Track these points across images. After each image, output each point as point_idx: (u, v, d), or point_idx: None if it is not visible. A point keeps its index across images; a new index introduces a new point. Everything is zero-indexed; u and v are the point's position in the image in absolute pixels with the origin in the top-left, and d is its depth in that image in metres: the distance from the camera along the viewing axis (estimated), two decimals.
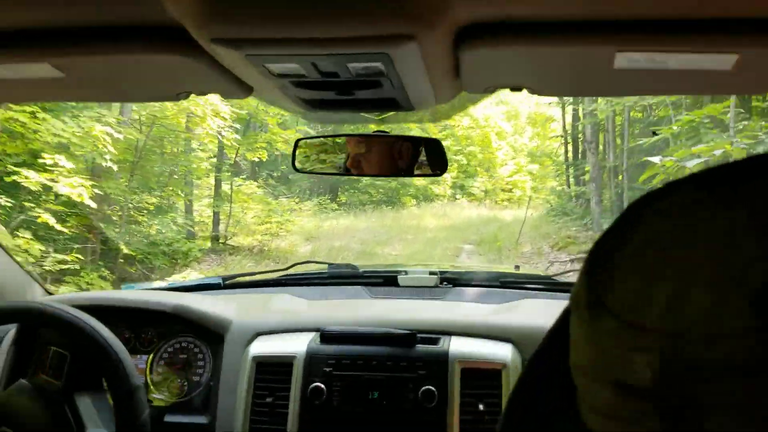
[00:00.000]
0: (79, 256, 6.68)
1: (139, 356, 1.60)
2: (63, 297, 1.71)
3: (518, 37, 0.78)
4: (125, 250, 7.74)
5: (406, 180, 16.46)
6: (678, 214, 0.32)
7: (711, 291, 0.28)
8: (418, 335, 1.49)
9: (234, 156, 10.91)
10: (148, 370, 1.59)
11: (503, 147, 19.53)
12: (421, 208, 16.31)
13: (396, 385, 1.43)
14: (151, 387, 1.57)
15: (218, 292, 1.94)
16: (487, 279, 1.98)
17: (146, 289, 1.93)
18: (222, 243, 10.58)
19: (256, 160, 11.28)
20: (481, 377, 1.42)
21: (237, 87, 0.97)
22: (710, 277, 0.29)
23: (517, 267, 2.19)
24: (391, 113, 1.26)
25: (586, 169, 13.24)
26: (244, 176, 12.75)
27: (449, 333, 1.52)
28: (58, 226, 6.42)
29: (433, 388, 1.40)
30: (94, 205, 6.67)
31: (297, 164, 1.48)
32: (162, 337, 1.62)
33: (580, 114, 13.94)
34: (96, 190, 6.85)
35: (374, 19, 0.69)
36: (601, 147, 13.11)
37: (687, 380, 0.29)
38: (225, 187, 11.13)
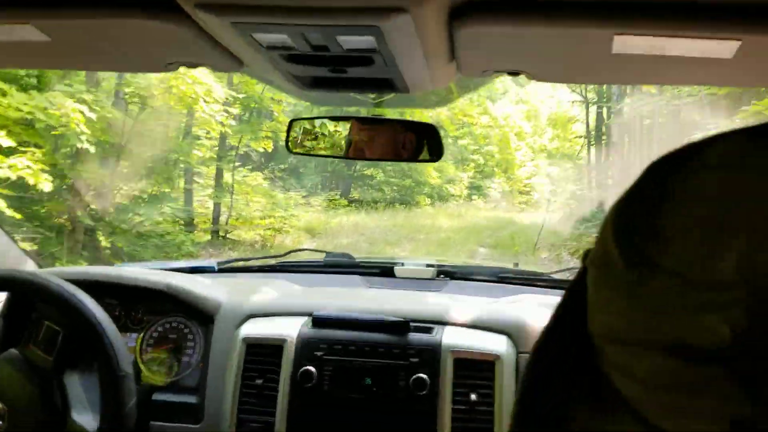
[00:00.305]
0: (29, 246, 6.35)
1: (129, 334, 1.66)
2: (55, 270, 1.76)
3: (514, 16, 0.79)
4: (104, 243, 7.50)
5: (421, 178, 16.46)
6: (728, 166, 0.32)
7: None
8: (412, 324, 1.54)
9: (237, 144, 10.86)
10: (138, 348, 1.65)
11: (522, 147, 19.46)
12: (435, 208, 16.28)
13: (387, 372, 1.48)
14: (141, 366, 1.63)
15: (212, 275, 2.01)
16: (484, 274, 2.03)
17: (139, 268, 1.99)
18: (221, 236, 10.60)
19: (261, 150, 11.26)
20: (474, 368, 1.48)
21: (226, 59, 0.99)
22: None
23: (516, 264, 2.25)
24: (388, 97, 1.31)
25: (609, 173, 13.16)
26: (250, 167, 12.78)
27: (443, 323, 1.57)
28: (10, 212, 6.01)
29: (425, 377, 1.46)
30: (47, 189, 6.22)
31: (290, 146, 1.53)
32: (153, 316, 1.68)
33: (605, 114, 13.87)
34: (45, 176, 6.29)
35: None
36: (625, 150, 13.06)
37: None
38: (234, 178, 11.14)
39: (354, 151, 1.47)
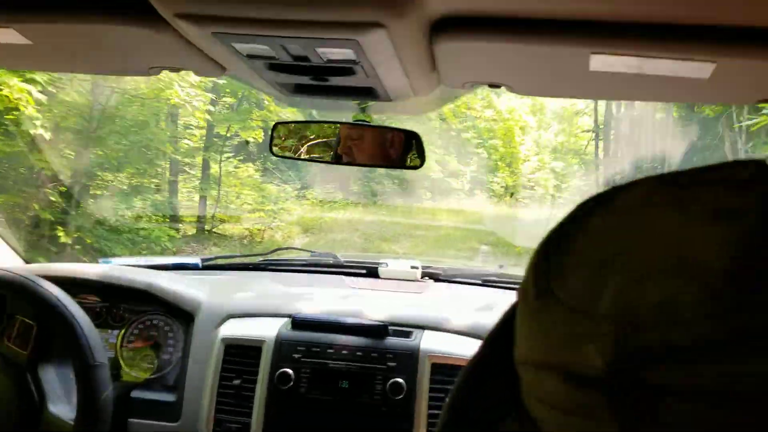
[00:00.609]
0: None
1: (110, 331, 1.75)
2: (36, 267, 1.83)
3: (493, 33, 0.84)
4: (64, 238, 7.16)
5: (420, 172, 16.50)
6: (628, 210, 0.36)
7: (666, 280, 0.31)
8: (391, 328, 1.60)
9: (225, 133, 10.80)
10: (118, 345, 1.73)
11: (526, 142, 19.55)
12: (436, 202, 16.34)
13: (364, 376, 1.55)
14: (122, 363, 1.71)
15: (196, 272, 2.09)
16: (468, 276, 2.09)
17: (123, 264, 2.06)
18: (207, 231, 10.57)
19: (252, 140, 11.19)
20: (452, 373, 1.53)
21: (209, 65, 1.04)
22: (665, 266, 0.32)
23: (501, 266, 2.29)
24: (372, 103, 1.34)
25: (619, 169, 13.17)
26: (241, 157, 12.72)
27: (423, 327, 1.64)
28: None
29: (401, 381, 1.52)
30: None
31: (275, 149, 1.56)
32: (134, 314, 1.76)
33: (614, 107, 13.86)
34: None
35: (343, 5, 0.75)
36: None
37: (641, 366, 0.31)
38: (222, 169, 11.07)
39: (341, 156, 1.51)
